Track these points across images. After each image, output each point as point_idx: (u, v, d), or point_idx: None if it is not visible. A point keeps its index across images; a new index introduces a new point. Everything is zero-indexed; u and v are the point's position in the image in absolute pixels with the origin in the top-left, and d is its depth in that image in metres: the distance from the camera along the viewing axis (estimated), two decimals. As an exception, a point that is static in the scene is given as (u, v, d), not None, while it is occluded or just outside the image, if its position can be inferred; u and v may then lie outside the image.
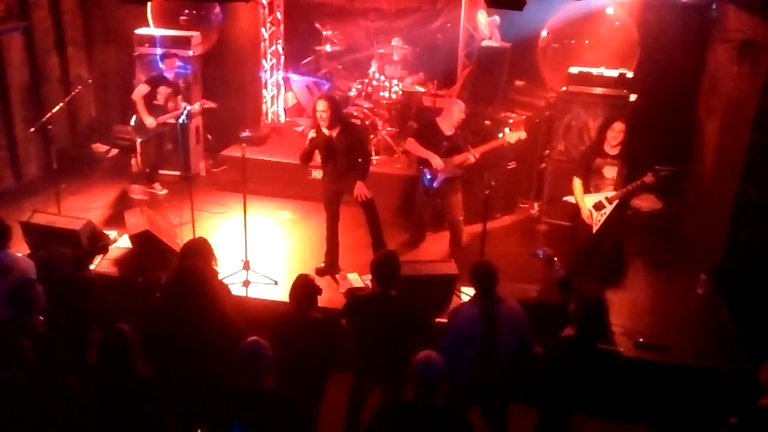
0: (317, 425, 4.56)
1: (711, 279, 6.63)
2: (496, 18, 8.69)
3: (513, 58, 8.63)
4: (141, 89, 8.18)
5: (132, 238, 6.56)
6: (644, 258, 7.38)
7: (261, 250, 6.95)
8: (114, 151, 9.69)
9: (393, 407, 3.98)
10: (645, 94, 7.75)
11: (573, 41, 8.30)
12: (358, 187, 6.29)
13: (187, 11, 9.24)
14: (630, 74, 7.59)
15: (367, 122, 8.54)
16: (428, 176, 6.81)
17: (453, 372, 4.15)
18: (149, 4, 8.76)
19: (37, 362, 3.94)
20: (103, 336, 3.96)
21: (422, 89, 9.22)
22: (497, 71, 8.52)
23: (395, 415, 3.68)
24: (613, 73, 7.56)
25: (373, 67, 9.18)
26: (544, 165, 8.21)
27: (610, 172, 6.06)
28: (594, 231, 6.12)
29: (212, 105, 8.71)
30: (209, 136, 9.39)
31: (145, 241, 6.45)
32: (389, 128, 8.88)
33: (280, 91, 10.25)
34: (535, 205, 8.32)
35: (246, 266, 6.49)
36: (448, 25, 9.69)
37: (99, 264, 6.52)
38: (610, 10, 8.13)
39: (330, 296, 6.10)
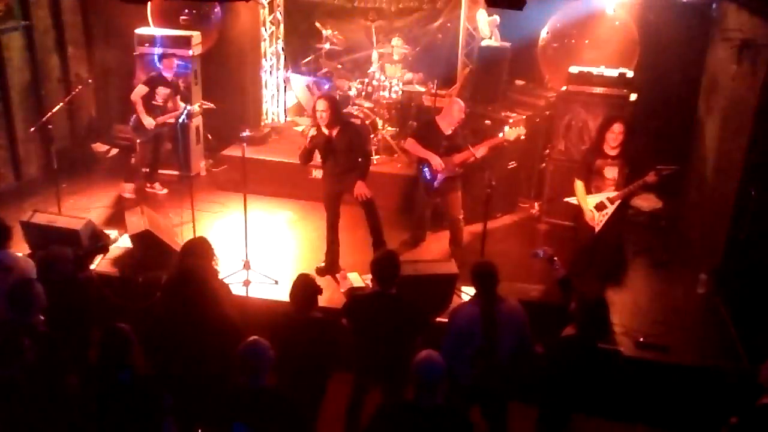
0: (317, 425, 4.55)
1: (711, 279, 6.62)
2: (496, 18, 8.70)
3: (513, 57, 8.63)
4: (139, 90, 8.17)
5: (132, 237, 6.55)
6: (645, 257, 7.38)
7: (261, 249, 6.95)
8: (114, 151, 9.69)
9: (393, 407, 3.98)
10: (645, 93, 7.76)
11: (573, 41, 8.28)
12: (359, 187, 6.29)
13: (187, 11, 9.22)
14: (630, 74, 7.59)
15: (367, 122, 8.54)
16: (428, 175, 6.81)
17: (453, 372, 4.13)
18: (149, 3, 8.75)
19: (37, 362, 3.93)
20: (103, 336, 3.94)
21: (422, 89, 9.22)
22: (497, 71, 8.53)
23: (396, 415, 3.66)
24: (613, 72, 7.56)
25: (373, 67, 9.18)
26: (544, 165, 8.21)
27: (611, 172, 6.05)
28: (596, 231, 6.12)
29: (211, 106, 8.69)
30: (209, 136, 9.38)
31: (145, 241, 6.44)
32: (389, 128, 8.88)
33: (280, 91, 10.24)
34: (536, 204, 8.32)
35: (246, 266, 6.49)
36: (448, 24, 9.69)
37: (99, 264, 6.52)
38: (610, 10, 8.13)
39: (330, 296, 6.10)
